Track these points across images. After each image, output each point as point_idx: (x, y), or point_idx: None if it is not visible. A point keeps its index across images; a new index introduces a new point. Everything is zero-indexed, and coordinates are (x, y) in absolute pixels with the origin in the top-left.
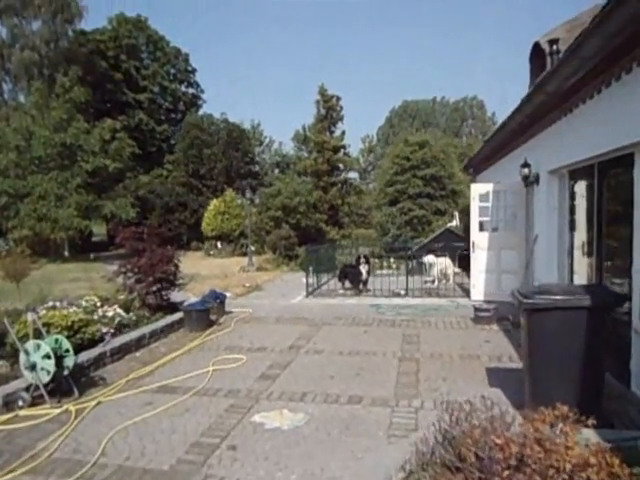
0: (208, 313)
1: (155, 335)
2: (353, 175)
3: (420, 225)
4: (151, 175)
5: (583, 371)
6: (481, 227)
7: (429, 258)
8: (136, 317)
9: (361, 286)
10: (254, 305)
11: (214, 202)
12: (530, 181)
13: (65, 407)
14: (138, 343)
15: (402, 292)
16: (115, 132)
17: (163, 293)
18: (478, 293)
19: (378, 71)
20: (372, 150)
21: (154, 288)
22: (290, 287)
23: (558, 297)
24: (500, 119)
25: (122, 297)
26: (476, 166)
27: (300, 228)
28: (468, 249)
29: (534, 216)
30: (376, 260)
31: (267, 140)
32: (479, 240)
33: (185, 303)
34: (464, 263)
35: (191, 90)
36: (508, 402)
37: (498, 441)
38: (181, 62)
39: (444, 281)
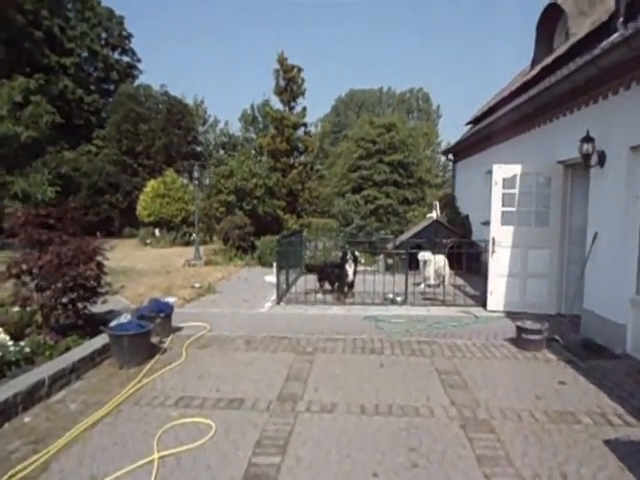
0: (148, 337)
1: (62, 378)
2: (310, 160)
3: (386, 215)
4: (77, 151)
5: None
6: (502, 220)
7: (425, 255)
8: (31, 347)
9: (346, 289)
10: (210, 316)
11: (152, 183)
12: (590, 162)
13: None
14: (30, 397)
15: (399, 299)
16: (30, 94)
17: (80, 306)
18: (497, 302)
19: (328, 58)
20: (325, 135)
21: (64, 299)
22: (252, 288)
23: None
24: (445, 113)
25: (16, 310)
26: (460, 151)
27: (256, 215)
28: (459, 246)
29: (591, 208)
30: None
31: (212, 119)
32: (501, 236)
33: (113, 322)
34: (455, 262)
35: (126, 58)
36: None
37: None
38: (115, 25)
39: (437, 282)
